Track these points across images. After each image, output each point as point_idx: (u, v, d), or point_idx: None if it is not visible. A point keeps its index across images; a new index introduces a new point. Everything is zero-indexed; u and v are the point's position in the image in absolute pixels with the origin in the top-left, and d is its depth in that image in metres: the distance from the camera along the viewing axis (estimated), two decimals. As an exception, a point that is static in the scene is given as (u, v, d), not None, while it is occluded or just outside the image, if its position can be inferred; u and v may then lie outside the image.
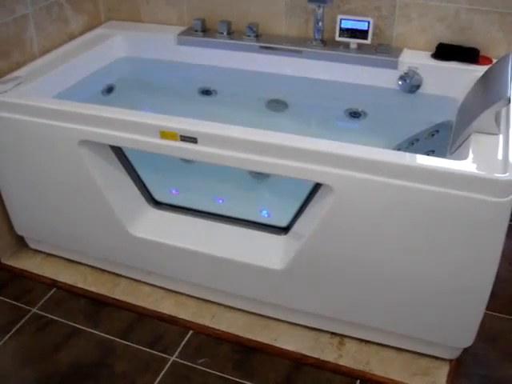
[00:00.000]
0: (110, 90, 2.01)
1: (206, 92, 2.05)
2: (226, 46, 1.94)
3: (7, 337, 1.61)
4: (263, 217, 1.70)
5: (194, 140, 1.40)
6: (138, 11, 2.12)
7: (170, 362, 1.52)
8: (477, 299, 1.36)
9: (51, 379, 1.49)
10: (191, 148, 1.41)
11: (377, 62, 1.77)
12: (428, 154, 1.40)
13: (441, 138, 1.62)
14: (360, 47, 1.80)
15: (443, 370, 1.48)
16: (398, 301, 1.42)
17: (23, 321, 1.66)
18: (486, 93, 1.46)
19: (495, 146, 1.30)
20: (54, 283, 1.79)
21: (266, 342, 1.57)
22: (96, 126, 1.49)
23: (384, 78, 1.77)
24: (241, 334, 1.59)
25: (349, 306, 1.49)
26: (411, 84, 1.74)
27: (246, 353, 1.55)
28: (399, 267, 1.36)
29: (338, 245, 1.39)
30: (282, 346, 1.55)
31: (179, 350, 1.56)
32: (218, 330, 1.61)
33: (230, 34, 1.95)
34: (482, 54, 1.72)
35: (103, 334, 1.61)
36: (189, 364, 1.52)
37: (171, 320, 1.64)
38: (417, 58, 1.75)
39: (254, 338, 1.58)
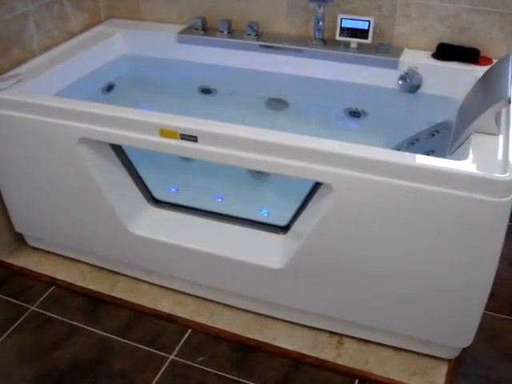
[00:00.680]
0: (110, 88, 2.01)
1: (206, 90, 2.05)
2: (226, 45, 1.94)
3: (6, 334, 1.61)
4: (262, 216, 1.70)
5: (194, 138, 1.40)
6: (138, 9, 2.12)
7: (168, 361, 1.52)
8: (476, 299, 1.36)
9: (50, 377, 1.49)
10: (191, 146, 1.41)
11: (377, 62, 1.77)
12: (428, 154, 1.40)
13: (441, 138, 1.62)
14: (360, 47, 1.80)
15: (442, 370, 1.48)
16: (397, 300, 1.42)
17: (22, 318, 1.66)
18: (486, 93, 1.46)
19: (495, 147, 1.30)
20: (52, 281, 1.79)
21: (265, 340, 1.57)
22: (96, 123, 1.49)
23: (384, 78, 1.77)
24: (239, 332, 1.59)
25: (348, 306, 1.49)
26: (411, 84, 1.74)
27: (245, 352, 1.55)
28: (398, 267, 1.36)
29: (337, 244, 1.39)
30: (281, 345, 1.55)
31: (178, 348, 1.56)
32: (217, 328, 1.61)
33: (231, 32, 1.95)
34: (482, 54, 1.72)
35: (102, 332, 1.61)
36: (187, 362, 1.52)
37: (170, 318, 1.64)
38: (417, 58, 1.75)
39: (252, 337, 1.58)
